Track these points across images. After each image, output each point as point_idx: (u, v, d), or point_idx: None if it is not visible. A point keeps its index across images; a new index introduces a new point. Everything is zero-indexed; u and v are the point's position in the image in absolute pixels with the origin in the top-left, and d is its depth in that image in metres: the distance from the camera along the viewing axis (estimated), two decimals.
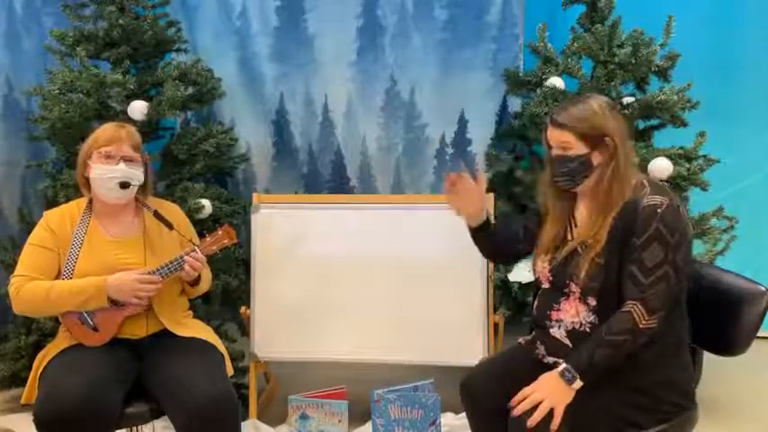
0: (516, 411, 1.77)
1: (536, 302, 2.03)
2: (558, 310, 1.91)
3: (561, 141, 1.87)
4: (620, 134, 1.85)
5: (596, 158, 1.85)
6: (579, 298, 1.86)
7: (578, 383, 1.75)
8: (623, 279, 1.79)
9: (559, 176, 1.90)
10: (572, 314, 1.88)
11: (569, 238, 1.94)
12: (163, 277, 2.14)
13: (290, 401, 2.66)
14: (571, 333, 1.87)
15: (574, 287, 1.87)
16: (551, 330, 1.92)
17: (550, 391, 1.76)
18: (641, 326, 1.73)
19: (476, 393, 1.99)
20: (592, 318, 1.84)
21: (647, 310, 1.74)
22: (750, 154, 3.48)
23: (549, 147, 1.92)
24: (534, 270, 2.02)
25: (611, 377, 1.77)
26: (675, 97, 2.75)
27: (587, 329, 1.84)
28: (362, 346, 2.77)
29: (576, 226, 1.94)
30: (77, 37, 2.85)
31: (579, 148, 1.85)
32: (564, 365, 1.78)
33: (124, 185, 2.15)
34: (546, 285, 1.98)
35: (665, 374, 1.81)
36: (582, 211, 1.94)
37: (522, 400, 1.77)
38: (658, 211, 1.75)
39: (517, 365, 1.97)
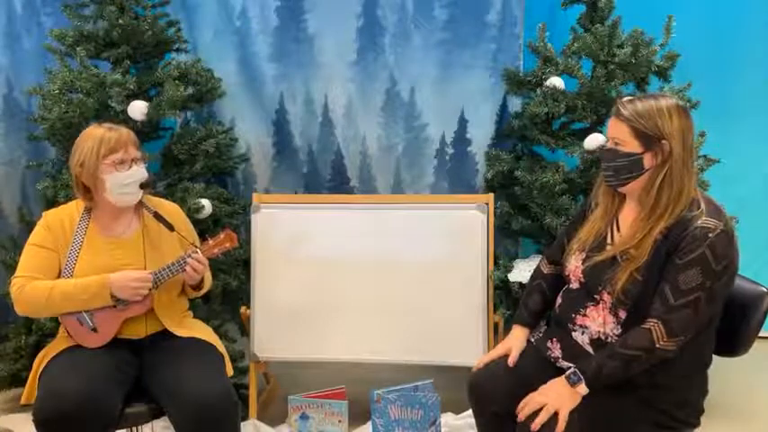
0: (521, 416, 1.75)
1: (560, 300, 1.97)
2: (585, 315, 1.86)
3: (615, 134, 1.80)
4: (680, 140, 1.75)
5: (649, 161, 1.77)
6: (609, 308, 1.81)
7: (583, 389, 1.73)
8: (655, 295, 1.73)
9: (605, 171, 1.84)
10: (599, 323, 1.83)
11: (609, 241, 1.87)
12: (165, 279, 2.14)
13: (290, 401, 2.66)
14: (595, 342, 1.83)
15: (606, 296, 1.81)
16: (573, 334, 1.88)
17: (555, 396, 1.74)
18: (658, 346, 1.69)
19: (483, 394, 1.96)
20: (619, 331, 1.80)
21: (667, 332, 1.69)
22: (750, 154, 3.48)
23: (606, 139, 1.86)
24: (565, 266, 1.96)
25: (628, 390, 1.75)
26: (675, 97, 2.75)
27: (613, 341, 1.80)
28: (362, 346, 2.77)
29: (618, 230, 1.87)
30: (77, 37, 2.85)
31: (633, 146, 1.78)
32: (572, 369, 1.76)
33: (144, 185, 2.18)
34: (575, 285, 1.92)
35: (684, 394, 1.79)
36: (627, 216, 1.87)
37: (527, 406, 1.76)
38: (710, 235, 1.68)
39: (525, 365, 1.94)
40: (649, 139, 1.76)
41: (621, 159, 1.79)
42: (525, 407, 1.77)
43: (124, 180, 2.14)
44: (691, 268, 1.68)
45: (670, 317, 1.69)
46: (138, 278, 2.10)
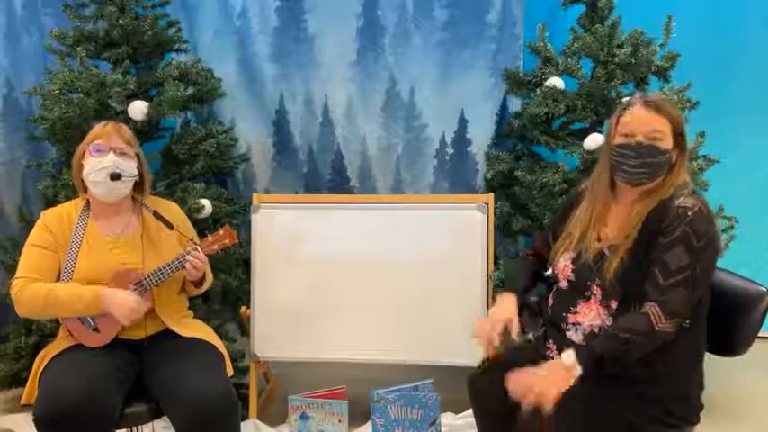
0: (511, 392, 1.68)
1: (551, 301, 1.98)
2: (576, 312, 1.86)
3: (657, 127, 1.76)
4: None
5: (674, 157, 1.80)
6: (600, 301, 1.82)
7: (578, 369, 1.67)
8: (646, 280, 1.74)
9: (637, 167, 1.77)
10: (591, 317, 1.84)
11: (596, 237, 1.88)
12: (165, 277, 2.14)
13: (290, 401, 2.66)
14: (590, 336, 1.83)
15: (596, 289, 1.83)
16: (568, 333, 1.88)
17: (544, 375, 1.68)
18: (657, 328, 1.69)
19: (482, 392, 1.96)
20: (611, 321, 1.80)
21: (664, 313, 1.69)
22: (749, 154, 3.48)
23: (626, 134, 1.79)
24: (554, 266, 1.96)
25: (627, 385, 1.74)
26: (675, 97, 2.75)
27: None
28: (362, 346, 2.77)
29: (605, 225, 1.88)
30: (77, 37, 2.85)
31: (668, 143, 1.77)
32: (566, 351, 1.72)
33: (114, 177, 2.14)
34: (564, 285, 1.92)
35: (682, 388, 1.79)
36: (618, 211, 1.88)
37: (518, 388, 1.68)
38: (689, 214, 1.71)
39: (525, 364, 1.89)
40: (679, 136, 1.79)
41: (662, 156, 1.77)
42: (517, 388, 1.69)
43: (95, 167, 2.13)
44: (675, 247, 1.71)
45: (665, 298, 1.70)
46: (136, 309, 2.07)
